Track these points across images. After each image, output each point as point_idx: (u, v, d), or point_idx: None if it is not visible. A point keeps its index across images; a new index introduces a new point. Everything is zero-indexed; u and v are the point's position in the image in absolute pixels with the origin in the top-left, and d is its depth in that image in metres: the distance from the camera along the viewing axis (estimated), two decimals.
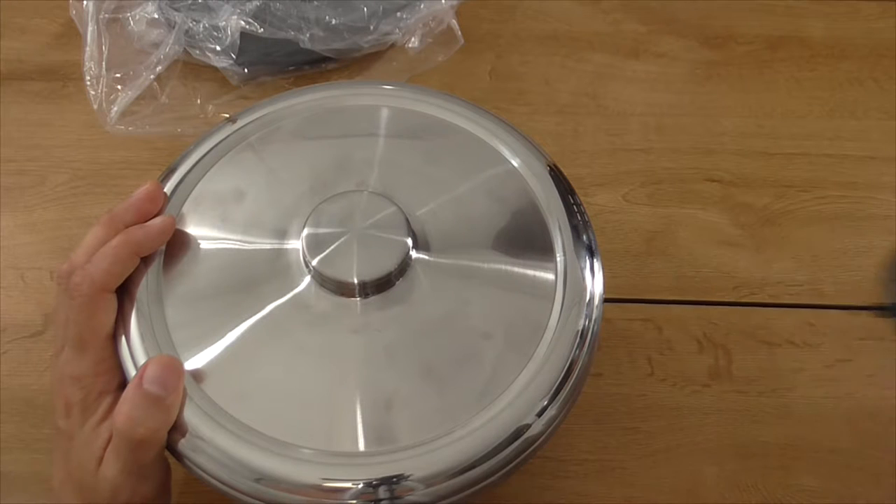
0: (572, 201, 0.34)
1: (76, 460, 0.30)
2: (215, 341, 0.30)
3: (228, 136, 0.35)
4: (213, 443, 0.28)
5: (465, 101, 0.37)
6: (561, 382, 0.30)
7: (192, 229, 0.33)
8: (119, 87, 0.51)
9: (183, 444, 0.28)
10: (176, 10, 0.51)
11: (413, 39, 0.55)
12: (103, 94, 0.50)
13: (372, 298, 0.31)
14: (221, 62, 0.51)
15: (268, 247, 0.32)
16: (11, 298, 0.45)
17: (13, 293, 0.45)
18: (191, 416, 0.28)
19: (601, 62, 0.56)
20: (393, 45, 0.55)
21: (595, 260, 0.33)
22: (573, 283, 0.32)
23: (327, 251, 0.31)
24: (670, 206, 0.49)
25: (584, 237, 0.33)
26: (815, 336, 0.44)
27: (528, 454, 0.29)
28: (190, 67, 0.53)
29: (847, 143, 0.52)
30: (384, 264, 0.31)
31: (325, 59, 0.53)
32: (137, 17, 0.52)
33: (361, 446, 0.28)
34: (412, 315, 0.31)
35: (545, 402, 0.29)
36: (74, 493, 0.30)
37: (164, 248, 0.32)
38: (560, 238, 0.33)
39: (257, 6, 0.51)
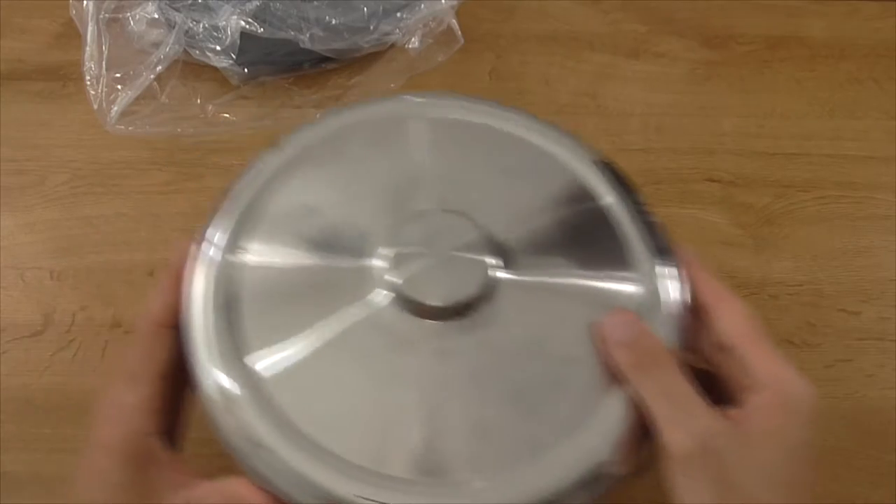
0: (646, 212, 0.33)
1: (92, 499, 0.28)
2: (289, 356, 0.29)
3: (294, 150, 0.34)
4: (281, 456, 0.27)
5: (532, 115, 0.36)
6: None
7: (265, 246, 0.31)
8: (119, 87, 0.51)
9: (250, 455, 0.28)
10: (176, 10, 0.51)
11: (413, 39, 0.55)
12: (103, 94, 0.50)
13: (454, 321, 0.30)
14: (221, 62, 0.51)
15: (345, 265, 0.31)
16: (11, 298, 0.45)
17: (13, 293, 0.45)
18: (260, 427, 0.27)
19: (601, 62, 0.56)
20: (393, 45, 0.55)
21: (675, 275, 0.32)
22: (655, 301, 0.31)
23: (410, 272, 0.30)
24: (670, 206, 0.49)
25: (662, 248, 0.32)
26: (815, 336, 0.44)
27: (607, 491, 0.28)
28: (190, 67, 0.53)
29: (847, 143, 0.52)
30: (468, 287, 0.30)
31: (325, 59, 0.53)
32: (137, 17, 0.52)
33: (436, 474, 0.27)
34: (495, 339, 0.30)
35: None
36: None
37: (238, 263, 0.31)
38: (639, 254, 0.32)
39: (257, 6, 0.51)
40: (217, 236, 0.31)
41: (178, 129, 0.51)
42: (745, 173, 0.50)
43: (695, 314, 0.31)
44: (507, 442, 0.28)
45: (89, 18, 0.51)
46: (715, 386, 0.29)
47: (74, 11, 0.52)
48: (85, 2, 0.51)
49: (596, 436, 0.28)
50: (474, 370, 0.29)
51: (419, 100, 0.37)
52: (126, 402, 0.29)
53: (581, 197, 0.34)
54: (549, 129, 0.36)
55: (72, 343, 0.44)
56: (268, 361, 0.29)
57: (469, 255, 0.31)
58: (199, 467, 0.29)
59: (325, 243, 0.32)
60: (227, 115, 0.52)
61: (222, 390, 0.28)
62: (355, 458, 0.27)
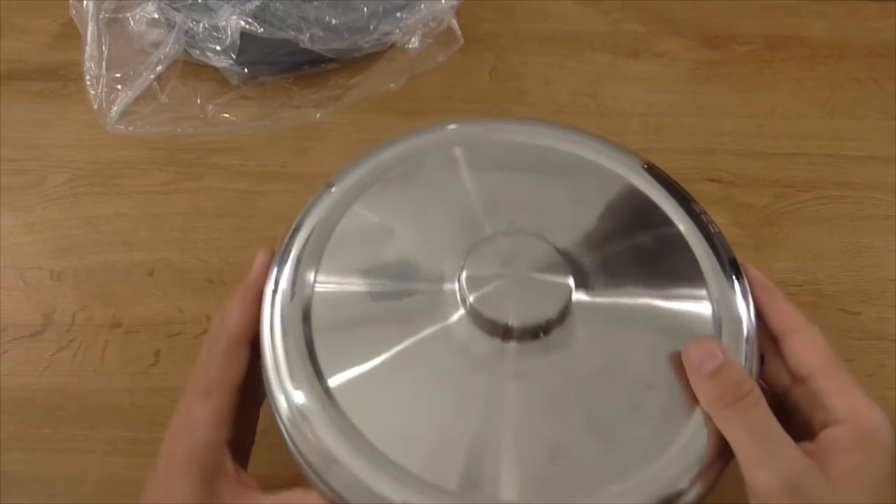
0: (713, 231, 0.33)
1: None
2: (363, 374, 0.29)
3: (368, 170, 0.35)
4: (354, 472, 0.27)
5: (596, 136, 0.36)
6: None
7: (340, 267, 0.32)
8: (119, 87, 0.51)
9: (324, 470, 0.28)
10: (176, 10, 0.51)
11: (413, 39, 0.55)
12: (103, 94, 0.50)
13: (530, 343, 0.30)
14: (221, 62, 0.51)
15: (421, 287, 0.31)
16: (11, 298, 0.45)
17: (13, 293, 0.45)
18: (330, 440, 0.28)
19: (601, 62, 0.56)
20: (393, 45, 0.55)
21: (747, 297, 0.32)
22: (730, 323, 0.31)
23: (487, 293, 0.30)
24: None
25: (731, 269, 0.32)
26: None
27: None
28: (190, 67, 0.53)
29: (847, 143, 0.52)
30: (548, 308, 0.30)
31: (325, 59, 0.53)
32: (137, 17, 0.52)
33: (514, 497, 0.27)
34: (571, 361, 0.30)
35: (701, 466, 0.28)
36: None
37: (314, 284, 0.31)
38: (712, 275, 0.32)
39: (257, 6, 0.51)
40: (293, 256, 0.32)
41: (178, 129, 0.51)
42: (744, 173, 0.50)
43: (767, 341, 0.31)
44: (581, 467, 0.28)
45: (89, 18, 0.51)
46: (783, 412, 0.29)
47: (74, 11, 0.52)
48: (85, 2, 0.51)
49: (673, 464, 0.28)
50: (550, 392, 0.29)
51: (478, 124, 0.37)
52: (199, 414, 0.29)
53: (648, 215, 0.34)
54: (618, 151, 0.36)
55: (72, 343, 0.44)
56: (342, 379, 0.29)
57: (547, 276, 0.31)
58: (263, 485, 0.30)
59: (400, 266, 0.32)
60: (227, 115, 0.52)
61: (297, 407, 0.29)
62: (428, 475, 0.27)
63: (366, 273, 0.32)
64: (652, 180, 0.35)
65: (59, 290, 0.45)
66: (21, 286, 0.46)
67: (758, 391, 0.28)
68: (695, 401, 0.29)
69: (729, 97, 0.54)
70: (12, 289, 0.46)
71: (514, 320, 0.30)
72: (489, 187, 0.34)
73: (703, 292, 0.32)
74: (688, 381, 0.29)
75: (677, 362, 0.29)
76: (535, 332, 0.30)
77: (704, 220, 0.34)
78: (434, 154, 0.35)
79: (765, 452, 0.27)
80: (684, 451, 0.28)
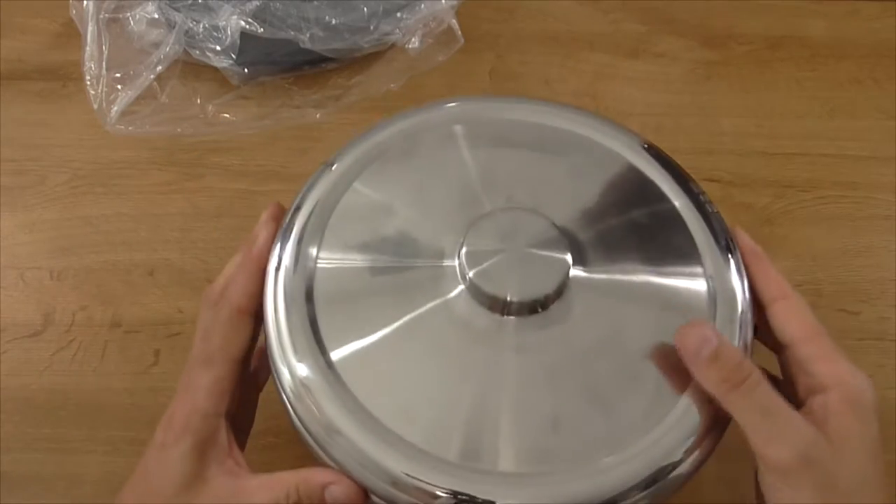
0: (704, 201, 0.34)
1: (155, 475, 0.29)
2: (365, 347, 0.30)
3: (368, 148, 0.35)
4: (353, 441, 0.28)
5: (596, 115, 0.37)
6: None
7: (342, 241, 0.32)
8: (119, 87, 0.51)
9: (323, 438, 0.28)
10: (176, 10, 0.51)
11: (413, 39, 0.55)
12: (103, 94, 0.50)
13: (529, 317, 0.30)
14: (221, 62, 0.51)
15: (421, 262, 0.32)
16: (11, 298, 0.45)
17: (13, 293, 0.45)
18: (333, 412, 0.28)
19: (601, 62, 0.56)
20: (393, 45, 0.55)
21: (742, 275, 0.32)
22: (725, 300, 0.31)
23: (486, 268, 0.31)
24: None
25: (726, 241, 0.33)
26: None
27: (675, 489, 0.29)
28: (190, 67, 0.53)
29: (847, 143, 0.52)
30: (545, 284, 0.30)
31: (325, 59, 0.53)
32: (137, 17, 0.52)
33: (513, 467, 0.28)
34: (569, 335, 0.30)
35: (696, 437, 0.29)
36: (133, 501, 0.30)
37: (317, 259, 0.32)
38: (705, 248, 0.32)
39: (257, 6, 0.51)
40: (295, 233, 0.32)
41: (178, 129, 0.51)
42: (744, 173, 0.50)
43: (754, 309, 0.31)
44: (579, 438, 0.28)
45: (89, 18, 0.51)
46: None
47: (74, 11, 0.52)
48: (85, 2, 0.51)
49: (669, 435, 0.28)
50: (549, 365, 0.30)
51: (475, 102, 0.37)
52: (199, 382, 0.30)
53: (646, 193, 0.34)
54: (606, 124, 0.36)
55: (72, 343, 0.44)
56: (345, 352, 0.30)
57: (546, 252, 0.31)
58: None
59: (401, 241, 0.32)
60: (227, 115, 0.52)
61: (300, 380, 0.29)
62: (428, 445, 0.28)
63: (367, 249, 0.32)
64: (651, 159, 0.35)
65: (59, 290, 0.45)
66: (21, 286, 0.46)
67: (757, 370, 0.28)
68: (689, 374, 0.29)
69: (729, 97, 0.54)
70: (12, 289, 0.46)
71: (513, 295, 0.30)
72: (488, 163, 0.35)
73: (699, 269, 0.32)
74: (694, 370, 0.29)
75: (672, 336, 0.30)
76: (534, 307, 0.30)
77: (702, 199, 0.34)
78: (433, 131, 0.36)
79: (776, 428, 0.27)
80: (679, 422, 0.29)
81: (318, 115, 0.52)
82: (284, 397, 0.29)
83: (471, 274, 0.30)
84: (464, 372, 0.30)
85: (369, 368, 0.29)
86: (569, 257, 0.31)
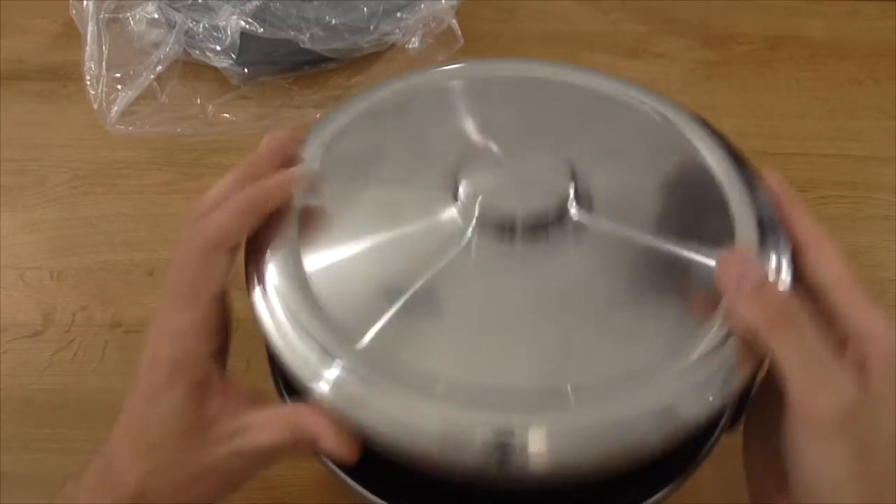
0: (746, 169, 0.32)
1: (152, 427, 0.27)
2: (364, 278, 0.29)
3: (361, 107, 0.35)
4: (351, 379, 0.26)
5: (601, 71, 0.36)
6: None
7: (332, 180, 0.32)
8: (119, 87, 0.51)
9: (316, 379, 0.26)
10: (176, 10, 0.51)
11: (413, 39, 0.55)
12: (103, 94, 0.50)
13: (535, 245, 0.29)
14: (221, 62, 0.51)
15: (420, 189, 0.31)
16: (11, 298, 0.45)
17: (13, 293, 0.45)
18: (327, 346, 0.27)
19: (601, 62, 0.56)
20: (393, 45, 0.55)
21: (782, 246, 0.30)
22: (766, 239, 0.29)
23: (486, 193, 0.29)
24: None
25: (755, 182, 0.31)
26: None
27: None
28: (190, 67, 0.53)
29: (847, 143, 0.52)
30: (547, 203, 0.29)
31: (325, 59, 0.53)
32: (137, 17, 0.52)
33: (527, 394, 0.26)
34: (581, 263, 0.29)
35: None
36: (132, 455, 0.28)
37: (306, 198, 0.31)
38: (736, 195, 0.31)
39: (257, 6, 0.51)
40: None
41: (178, 129, 0.51)
42: None
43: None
44: (592, 364, 0.27)
45: (89, 18, 0.51)
46: None
47: (74, 11, 0.52)
48: (85, 2, 0.51)
49: (693, 370, 0.26)
50: (559, 290, 0.28)
51: (486, 63, 0.37)
52: (181, 325, 0.27)
53: (665, 139, 0.34)
54: (619, 83, 0.36)
55: (72, 343, 0.44)
56: (342, 285, 0.29)
57: (547, 177, 0.30)
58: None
59: (397, 175, 0.32)
60: (227, 115, 0.52)
61: (275, 286, 0.28)
62: (432, 371, 0.26)
63: (359, 186, 0.32)
64: (700, 131, 0.35)
65: (59, 290, 0.45)
66: (21, 286, 0.46)
67: (803, 312, 0.26)
68: (707, 308, 0.27)
69: (729, 97, 0.54)
70: (12, 289, 0.46)
71: (513, 217, 0.29)
72: (494, 116, 0.34)
73: (728, 215, 0.30)
74: (735, 307, 0.27)
75: (692, 270, 0.28)
76: (536, 232, 0.29)
77: (718, 135, 0.34)
78: (432, 87, 0.35)
79: (824, 377, 0.25)
80: (702, 358, 0.26)
81: (318, 115, 0.52)
82: (268, 339, 0.28)
83: (468, 198, 0.29)
84: (464, 297, 0.28)
85: (362, 300, 0.28)
86: (570, 183, 0.30)
